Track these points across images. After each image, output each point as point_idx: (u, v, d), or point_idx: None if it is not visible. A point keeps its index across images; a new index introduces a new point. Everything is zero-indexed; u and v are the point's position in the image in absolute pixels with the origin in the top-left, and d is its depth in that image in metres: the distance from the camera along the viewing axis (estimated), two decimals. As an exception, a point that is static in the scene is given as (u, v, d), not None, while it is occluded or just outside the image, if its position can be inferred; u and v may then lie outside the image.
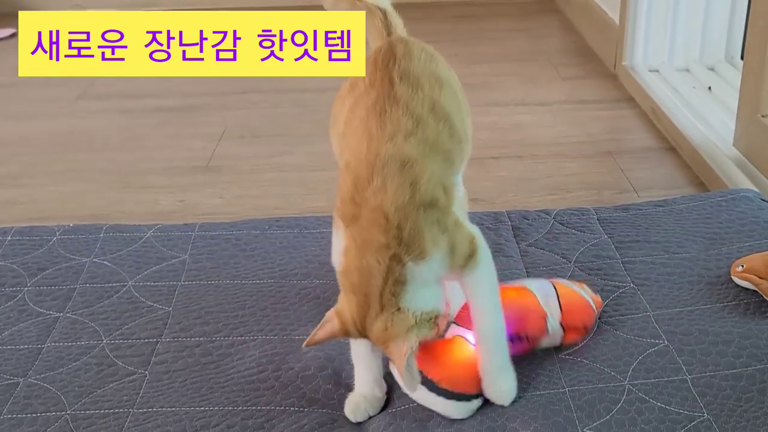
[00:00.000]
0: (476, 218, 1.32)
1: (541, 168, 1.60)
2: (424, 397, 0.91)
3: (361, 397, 0.94)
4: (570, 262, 1.19)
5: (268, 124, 1.94)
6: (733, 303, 1.07)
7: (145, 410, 0.96)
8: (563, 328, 1.00)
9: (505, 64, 2.31)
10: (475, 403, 0.91)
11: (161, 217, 1.49)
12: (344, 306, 0.86)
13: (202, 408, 0.95)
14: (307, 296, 1.16)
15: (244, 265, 1.24)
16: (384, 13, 1.02)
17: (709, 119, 1.74)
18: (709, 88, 1.92)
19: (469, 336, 0.94)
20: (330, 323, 0.88)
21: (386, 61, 0.92)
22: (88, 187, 1.63)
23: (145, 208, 1.54)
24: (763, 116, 1.51)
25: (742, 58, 2.01)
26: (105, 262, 1.25)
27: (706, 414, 0.90)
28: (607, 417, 0.91)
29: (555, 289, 1.01)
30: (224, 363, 1.03)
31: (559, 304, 0.99)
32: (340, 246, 0.88)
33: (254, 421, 0.93)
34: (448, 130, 0.90)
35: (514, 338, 0.95)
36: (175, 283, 1.20)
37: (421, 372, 0.88)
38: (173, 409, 0.95)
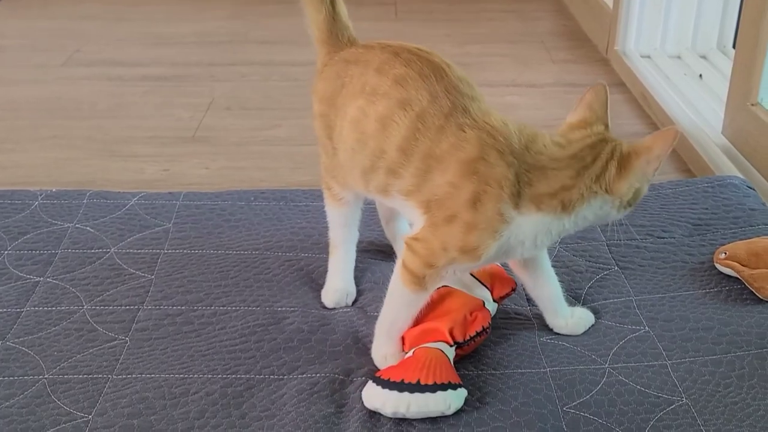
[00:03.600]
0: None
1: None
2: (420, 402, 0.88)
3: (342, 288, 1.08)
4: (555, 243, 1.19)
5: (256, 96, 1.92)
6: (715, 290, 1.08)
7: (124, 376, 0.95)
8: (496, 301, 1.02)
9: (497, 44, 2.30)
10: (462, 391, 0.90)
11: (146, 186, 1.47)
12: None
13: (182, 375, 0.95)
14: (291, 268, 1.15)
15: (229, 235, 1.23)
16: None
17: (699, 106, 1.75)
18: (700, 75, 1.92)
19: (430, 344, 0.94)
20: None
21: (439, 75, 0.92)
22: (73, 154, 1.62)
23: (130, 177, 1.52)
24: (752, 104, 1.51)
25: (734, 47, 2.01)
26: (88, 228, 1.23)
27: (684, 399, 0.91)
28: (587, 397, 0.91)
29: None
30: (205, 332, 1.03)
31: (481, 283, 1.00)
32: None
33: (234, 389, 0.93)
34: None
35: (479, 334, 0.96)
36: (158, 251, 1.19)
37: (402, 381, 0.88)
38: (153, 375, 0.95)
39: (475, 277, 1.01)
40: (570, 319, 1.02)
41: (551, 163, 0.87)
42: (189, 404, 0.90)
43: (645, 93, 1.85)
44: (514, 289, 1.04)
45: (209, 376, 0.95)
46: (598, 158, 0.88)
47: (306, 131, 1.70)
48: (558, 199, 0.87)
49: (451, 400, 0.88)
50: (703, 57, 2.03)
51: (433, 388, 0.88)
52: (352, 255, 1.11)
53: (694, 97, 1.79)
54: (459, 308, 0.96)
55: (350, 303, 1.08)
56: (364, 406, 0.89)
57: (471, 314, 0.96)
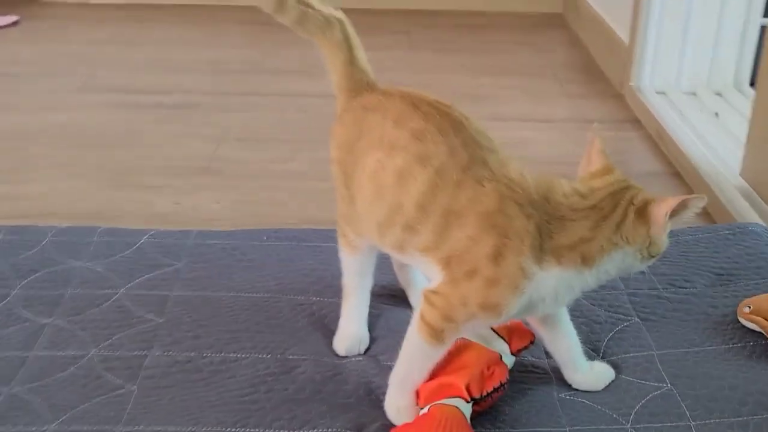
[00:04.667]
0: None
1: None
2: None
3: (354, 335, 1.05)
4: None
5: (270, 128, 1.90)
6: (739, 345, 1.05)
7: (132, 428, 0.92)
8: (514, 354, 0.99)
9: (510, 77, 2.29)
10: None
11: (156, 219, 1.45)
12: None
13: (191, 428, 0.92)
14: (303, 312, 1.13)
15: (240, 276, 1.21)
16: (342, 24, 1.00)
17: (716, 146, 1.72)
18: (716, 113, 1.89)
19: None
20: None
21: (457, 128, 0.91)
22: (83, 184, 1.60)
23: (140, 209, 1.51)
24: (774, 146, 1.48)
25: (751, 84, 1.99)
26: (97, 268, 1.21)
27: (710, 463, 0.88)
28: (608, 461, 0.88)
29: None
30: (215, 380, 1.00)
31: (499, 335, 0.98)
32: None
33: (243, 444, 0.90)
34: None
35: (497, 389, 0.93)
36: (167, 292, 1.16)
37: None
38: (161, 428, 0.92)
39: (493, 329, 0.99)
40: (589, 374, 0.99)
41: (570, 214, 0.85)
42: (198, 460, 0.88)
43: (660, 131, 1.82)
44: (532, 342, 1.01)
45: (219, 429, 0.92)
46: (618, 206, 0.87)
47: (319, 165, 1.67)
48: (578, 252, 0.85)
49: None
50: (719, 94, 2.01)
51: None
52: (366, 301, 1.08)
53: (710, 137, 1.77)
54: (476, 362, 0.94)
55: (363, 351, 1.06)
56: (378, 464, 0.87)
57: (488, 369, 0.94)
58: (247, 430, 0.92)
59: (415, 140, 0.89)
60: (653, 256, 0.89)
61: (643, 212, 0.86)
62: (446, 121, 0.90)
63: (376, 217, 0.93)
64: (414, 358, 0.92)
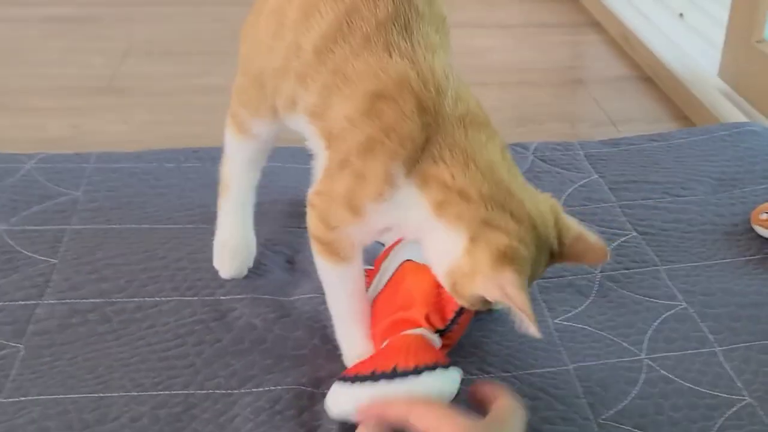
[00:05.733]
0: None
1: (508, 97, 1.43)
2: (401, 392, 0.66)
3: (240, 248, 0.88)
4: (556, 206, 1.00)
5: (182, 39, 1.71)
6: (758, 257, 0.91)
7: (16, 399, 0.72)
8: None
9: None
10: (455, 372, 0.68)
11: (49, 145, 1.23)
12: None
13: (97, 395, 0.73)
14: (235, 245, 0.92)
15: (155, 205, 0.99)
16: None
17: (685, 47, 1.59)
18: (681, 14, 1.76)
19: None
20: None
21: None
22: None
23: (30, 134, 1.30)
24: (758, 42, 1.35)
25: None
26: (-30, 200, 0.97)
27: (747, 397, 0.73)
28: (626, 402, 0.72)
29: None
30: (128, 333, 0.80)
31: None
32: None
33: (168, 411, 0.71)
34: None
35: (458, 314, 0.73)
36: (63, 227, 0.94)
37: (374, 372, 0.67)
38: (56, 397, 0.72)
39: None
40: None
41: (471, 163, 0.64)
42: (107, 436, 0.68)
43: (627, 33, 1.67)
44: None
45: (134, 393, 0.73)
46: (522, 223, 0.64)
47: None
48: (446, 196, 0.64)
49: (443, 384, 0.66)
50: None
51: (416, 371, 0.66)
52: (251, 200, 0.90)
53: (679, 38, 1.64)
54: (422, 290, 0.74)
55: (249, 267, 0.88)
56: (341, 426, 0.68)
57: (439, 293, 0.74)
58: (173, 393, 0.73)
59: None
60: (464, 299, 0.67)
61: (500, 258, 0.63)
62: None
63: (272, 63, 0.74)
64: (331, 287, 0.74)
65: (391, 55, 0.66)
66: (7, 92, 1.43)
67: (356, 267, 0.73)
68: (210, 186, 1.03)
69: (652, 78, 1.55)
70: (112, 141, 1.28)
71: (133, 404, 0.72)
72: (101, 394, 0.73)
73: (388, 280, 0.77)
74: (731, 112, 1.32)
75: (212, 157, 1.10)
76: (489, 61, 1.61)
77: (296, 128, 0.76)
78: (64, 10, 1.82)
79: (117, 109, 1.39)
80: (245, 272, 0.87)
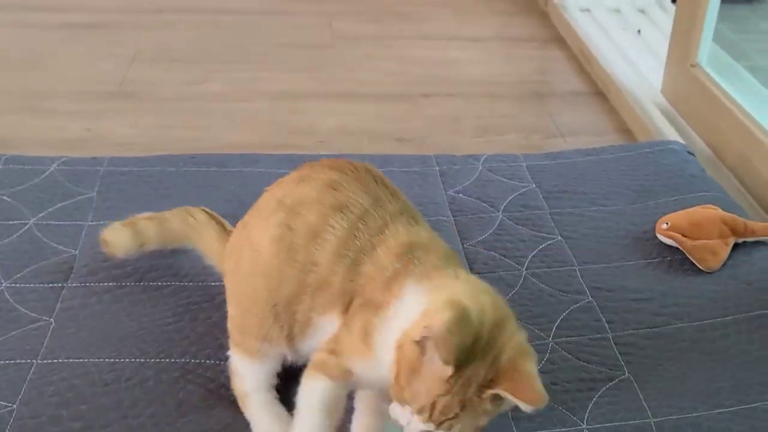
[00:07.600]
0: (403, 161, 1.28)
1: (473, 108, 1.56)
2: None
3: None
4: (498, 211, 1.17)
5: (186, 47, 1.81)
6: (657, 260, 1.08)
7: (50, 361, 0.89)
8: None
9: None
10: None
11: (68, 146, 1.38)
12: None
13: (113, 360, 0.90)
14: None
15: (158, 205, 1.14)
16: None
17: (638, 64, 1.74)
18: (639, 31, 1.90)
19: None
20: None
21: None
22: (-14, 109, 1.50)
23: (50, 135, 1.43)
24: (692, 65, 1.50)
25: (673, 1, 2.00)
26: (4, 197, 1.15)
27: (626, 372, 0.91)
28: (531, 374, 0.90)
29: None
30: (136, 311, 0.97)
31: None
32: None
33: (169, 375, 0.88)
34: None
35: None
36: (81, 222, 1.11)
37: None
38: (81, 360, 0.89)
39: None
40: None
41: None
42: (121, 392, 0.86)
43: (584, 50, 1.83)
44: None
45: (142, 360, 0.90)
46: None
47: (239, 86, 1.62)
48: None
49: None
50: (642, 11, 2.02)
51: None
52: (273, 396, 0.87)
53: (633, 54, 1.78)
54: None
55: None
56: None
57: None
58: (172, 360, 0.90)
59: (329, 190, 0.80)
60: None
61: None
62: (362, 171, 0.82)
63: (285, 290, 0.80)
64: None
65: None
66: (34, 96, 1.54)
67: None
68: (205, 188, 1.21)
69: (604, 93, 1.69)
70: (122, 142, 1.40)
71: (142, 369, 0.88)
72: (116, 360, 0.89)
73: None
74: (667, 129, 1.47)
75: (208, 162, 1.27)
76: (458, 73, 1.71)
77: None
78: (77, 16, 1.92)
79: (126, 113, 1.50)
80: None
